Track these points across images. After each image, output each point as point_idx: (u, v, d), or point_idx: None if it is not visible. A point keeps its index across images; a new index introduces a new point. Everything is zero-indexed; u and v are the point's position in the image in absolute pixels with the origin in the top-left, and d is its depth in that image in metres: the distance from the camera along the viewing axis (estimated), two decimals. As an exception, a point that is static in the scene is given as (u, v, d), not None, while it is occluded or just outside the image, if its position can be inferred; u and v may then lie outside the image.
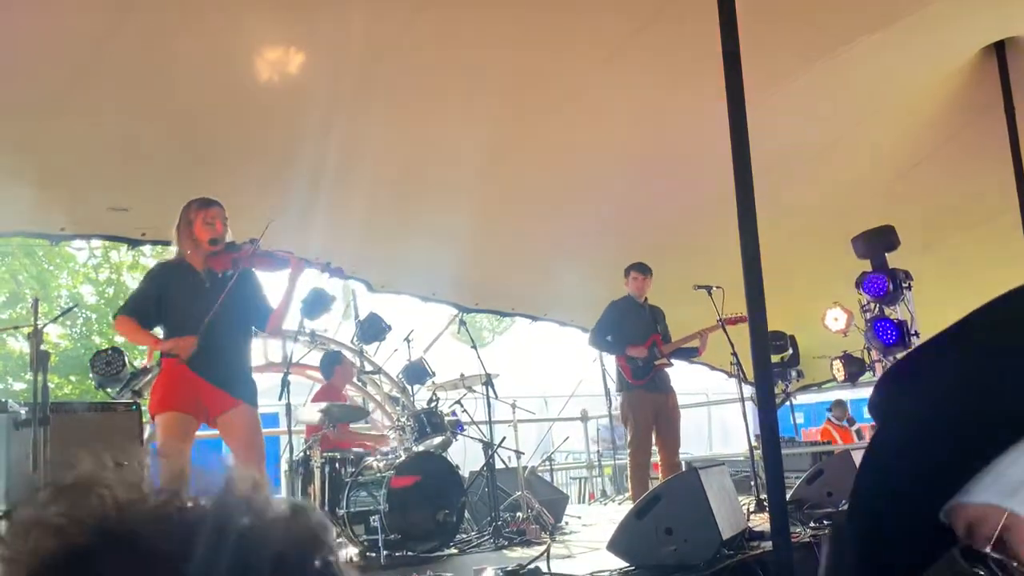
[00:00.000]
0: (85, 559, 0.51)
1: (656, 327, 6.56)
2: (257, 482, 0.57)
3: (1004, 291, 0.82)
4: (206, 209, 4.22)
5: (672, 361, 6.59)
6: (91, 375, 5.97)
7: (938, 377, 0.82)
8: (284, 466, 5.77)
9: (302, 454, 5.32)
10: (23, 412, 4.23)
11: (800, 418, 12.95)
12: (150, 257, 16.43)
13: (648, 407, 6.35)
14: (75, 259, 15.76)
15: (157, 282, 4.25)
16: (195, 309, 4.09)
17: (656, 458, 6.71)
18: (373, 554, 4.74)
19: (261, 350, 7.35)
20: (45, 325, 4.47)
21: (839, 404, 10.89)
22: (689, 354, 6.72)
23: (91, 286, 16.00)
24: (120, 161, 5.46)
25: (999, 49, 6.23)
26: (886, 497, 0.82)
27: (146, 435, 5.28)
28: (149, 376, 5.83)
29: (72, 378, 14.31)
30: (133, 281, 16.69)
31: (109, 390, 5.82)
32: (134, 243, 6.30)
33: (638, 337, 6.41)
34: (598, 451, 10.24)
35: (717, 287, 6.11)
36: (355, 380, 7.41)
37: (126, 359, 5.70)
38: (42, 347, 3.89)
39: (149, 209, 5.93)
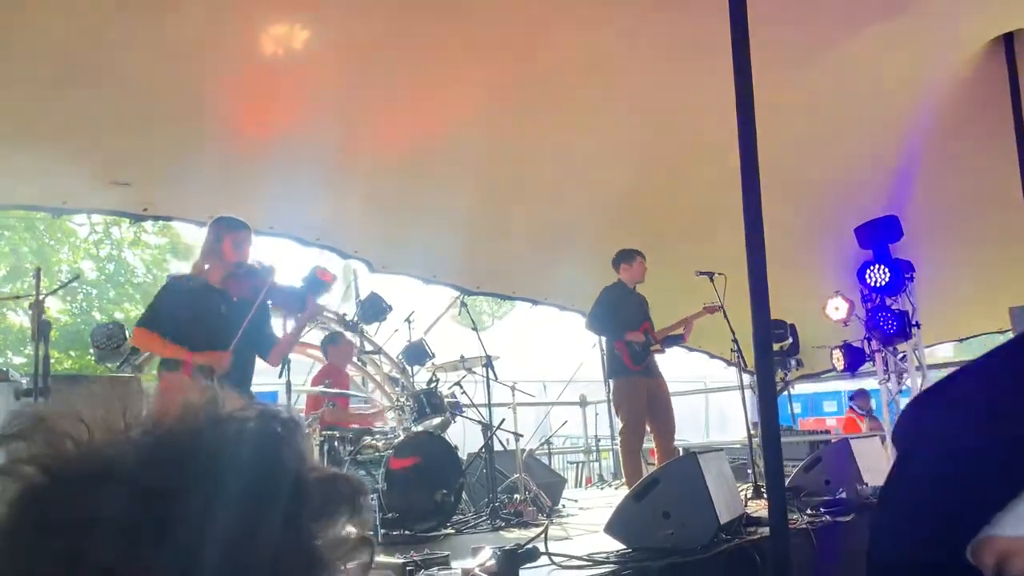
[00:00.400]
0: (40, 496, 0.52)
1: (647, 313, 6.57)
2: (216, 395, 0.59)
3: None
4: (236, 232, 4.27)
5: (664, 348, 6.61)
6: (91, 349, 5.98)
7: (969, 406, 0.79)
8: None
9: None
10: (24, 382, 4.25)
11: (797, 408, 12.98)
12: (152, 234, 16.45)
13: (643, 393, 6.36)
14: (76, 234, 15.76)
15: (175, 297, 4.24)
16: (209, 330, 4.13)
17: (651, 445, 6.72)
18: (370, 533, 4.75)
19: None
20: (47, 295, 4.47)
21: (862, 394, 10.87)
22: (675, 341, 6.73)
23: (92, 262, 16.01)
24: (123, 136, 5.44)
25: (1007, 41, 6.19)
26: (911, 533, 0.79)
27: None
28: (149, 353, 5.84)
29: (72, 353, 14.34)
30: (134, 258, 16.71)
31: (109, 365, 5.83)
32: (136, 218, 6.29)
33: (633, 323, 6.42)
34: (596, 436, 10.27)
35: (719, 273, 6.11)
36: (355, 360, 7.41)
37: (127, 334, 5.70)
38: (43, 317, 3.88)
39: (152, 184, 5.93)
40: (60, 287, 8.39)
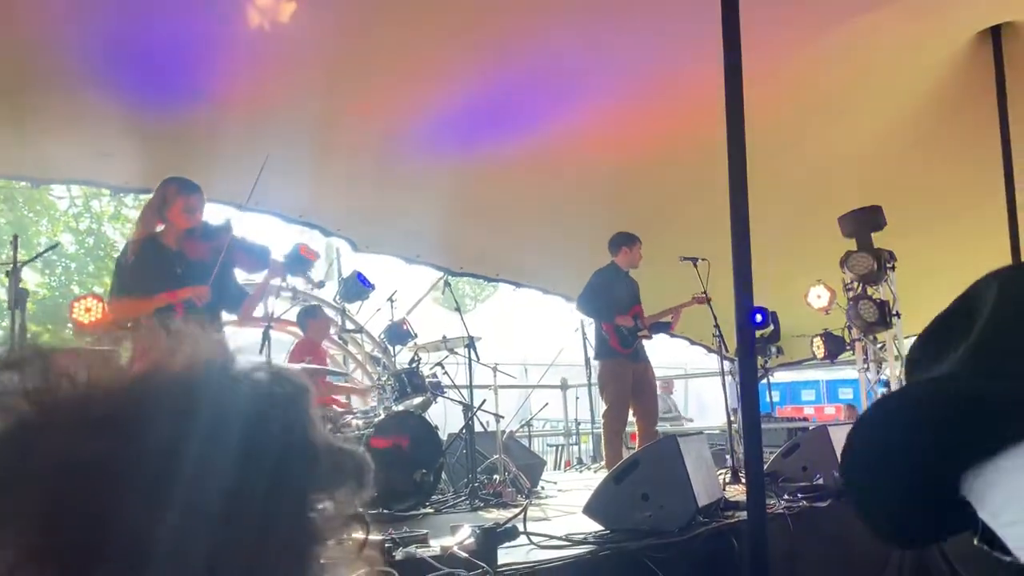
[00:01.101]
0: (33, 431, 0.50)
1: (638, 298, 6.60)
2: (230, 351, 0.57)
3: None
4: (187, 196, 4.08)
5: (652, 334, 6.65)
6: (69, 323, 5.91)
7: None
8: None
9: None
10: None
11: (776, 396, 13.07)
12: (132, 208, 16.27)
13: (629, 376, 6.40)
14: (56, 207, 15.58)
15: (137, 260, 4.11)
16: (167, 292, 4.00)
17: (634, 428, 6.75)
18: (366, 511, 4.74)
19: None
20: (24, 264, 4.40)
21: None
22: (662, 328, 6.77)
23: (71, 235, 15.84)
24: (106, 108, 5.36)
25: (995, 34, 6.21)
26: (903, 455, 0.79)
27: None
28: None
29: (50, 327, 14.20)
30: (114, 232, 16.54)
31: (88, 338, 5.76)
32: (117, 191, 6.21)
33: (623, 307, 6.45)
34: (576, 419, 10.30)
35: (703, 259, 6.12)
36: (335, 336, 7.37)
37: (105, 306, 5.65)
38: (20, 286, 3.83)
39: (134, 157, 5.85)
40: (37, 255, 8.28)
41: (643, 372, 6.48)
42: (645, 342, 6.64)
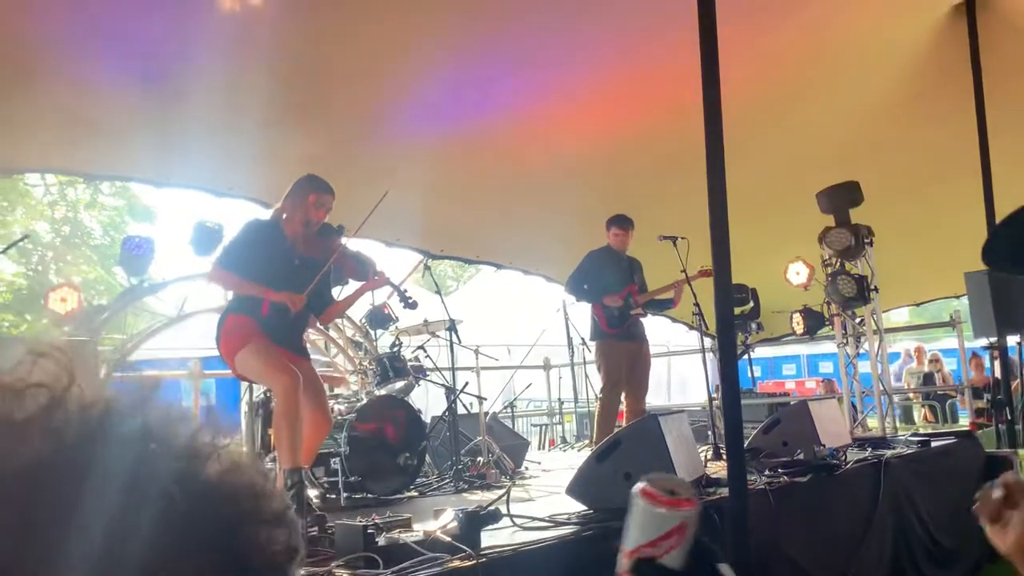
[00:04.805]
0: None
1: (633, 278, 6.59)
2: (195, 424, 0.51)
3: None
4: (322, 194, 4.30)
5: (647, 312, 6.66)
6: (46, 313, 5.87)
7: None
8: (244, 408, 5.73)
9: (262, 396, 5.28)
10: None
11: (757, 371, 13.17)
12: (109, 195, 16.09)
13: (621, 355, 6.42)
14: (31, 195, 15.36)
15: (253, 239, 4.26)
16: (284, 276, 4.16)
17: (622, 406, 6.78)
18: (333, 496, 4.76)
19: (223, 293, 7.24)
20: (-4, 255, 4.35)
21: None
22: (664, 306, 6.75)
23: (47, 223, 15.64)
24: (77, 94, 5.28)
25: (969, 8, 6.24)
26: None
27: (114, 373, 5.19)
28: (107, 314, 5.72)
29: (28, 316, 14.06)
30: (91, 220, 16.33)
31: (66, 328, 5.73)
32: (91, 179, 6.14)
33: (615, 287, 6.45)
34: (559, 399, 10.33)
35: (682, 238, 6.12)
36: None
37: (81, 297, 5.60)
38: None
39: (107, 145, 5.78)
40: (9, 246, 8.11)
41: (637, 350, 6.50)
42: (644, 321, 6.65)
